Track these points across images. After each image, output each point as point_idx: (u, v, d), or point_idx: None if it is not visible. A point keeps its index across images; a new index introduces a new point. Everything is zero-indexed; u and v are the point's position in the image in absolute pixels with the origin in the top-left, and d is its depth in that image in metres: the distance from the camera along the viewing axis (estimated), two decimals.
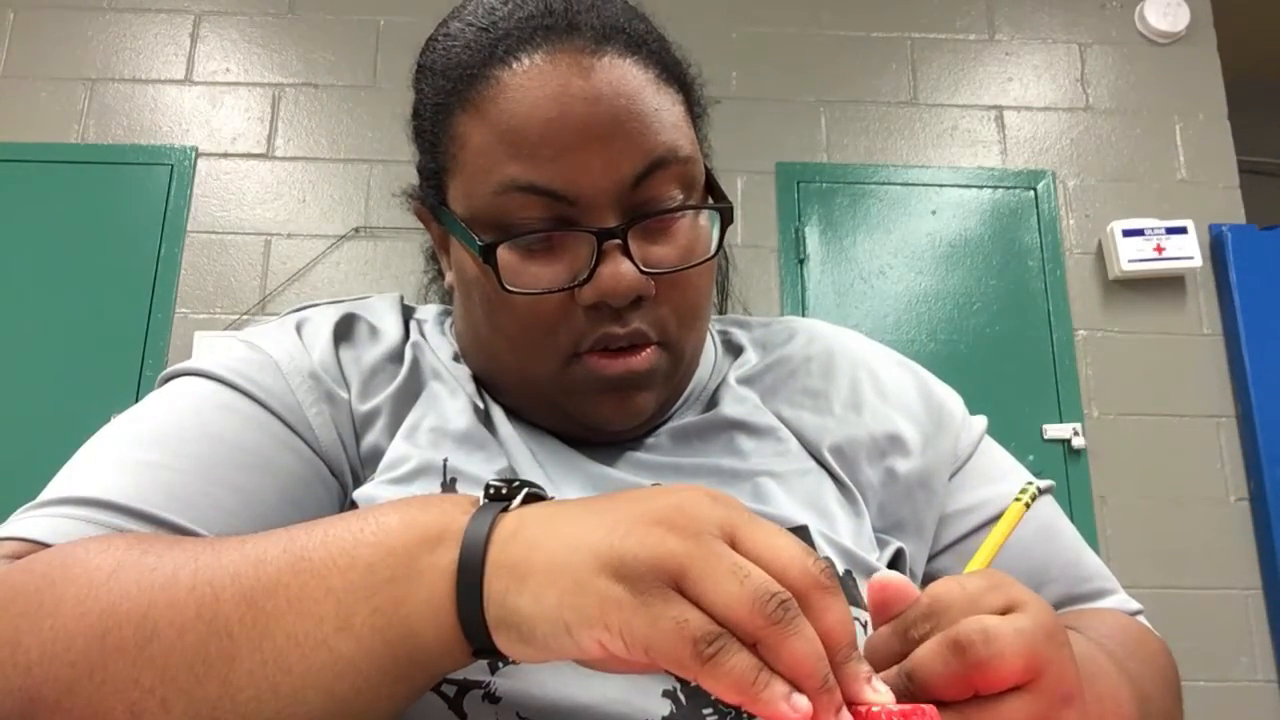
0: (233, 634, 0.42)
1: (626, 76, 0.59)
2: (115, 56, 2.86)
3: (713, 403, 0.69)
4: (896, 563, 0.65)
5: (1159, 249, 2.73)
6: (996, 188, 2.86)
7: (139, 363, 2.59)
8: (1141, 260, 2.72)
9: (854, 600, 0.57)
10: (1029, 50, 3.00)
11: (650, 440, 0.66)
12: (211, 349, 0.64)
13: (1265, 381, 2.66)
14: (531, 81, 0.58)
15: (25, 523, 0.51)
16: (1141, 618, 0.70)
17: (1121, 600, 0.70)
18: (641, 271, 0.58)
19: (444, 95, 0.62)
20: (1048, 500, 0.72)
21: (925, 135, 2.92)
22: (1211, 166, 2.89)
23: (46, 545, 0.49)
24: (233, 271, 2.70)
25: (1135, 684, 0.55)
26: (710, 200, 0.64)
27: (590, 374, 0.60)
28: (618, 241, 0.58)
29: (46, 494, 0.53)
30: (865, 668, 0.38)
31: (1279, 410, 2.64)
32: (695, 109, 0.65)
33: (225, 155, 2.79)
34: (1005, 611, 0.42)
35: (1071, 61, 2.99)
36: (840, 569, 0.58)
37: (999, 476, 0.72)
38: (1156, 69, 2.97)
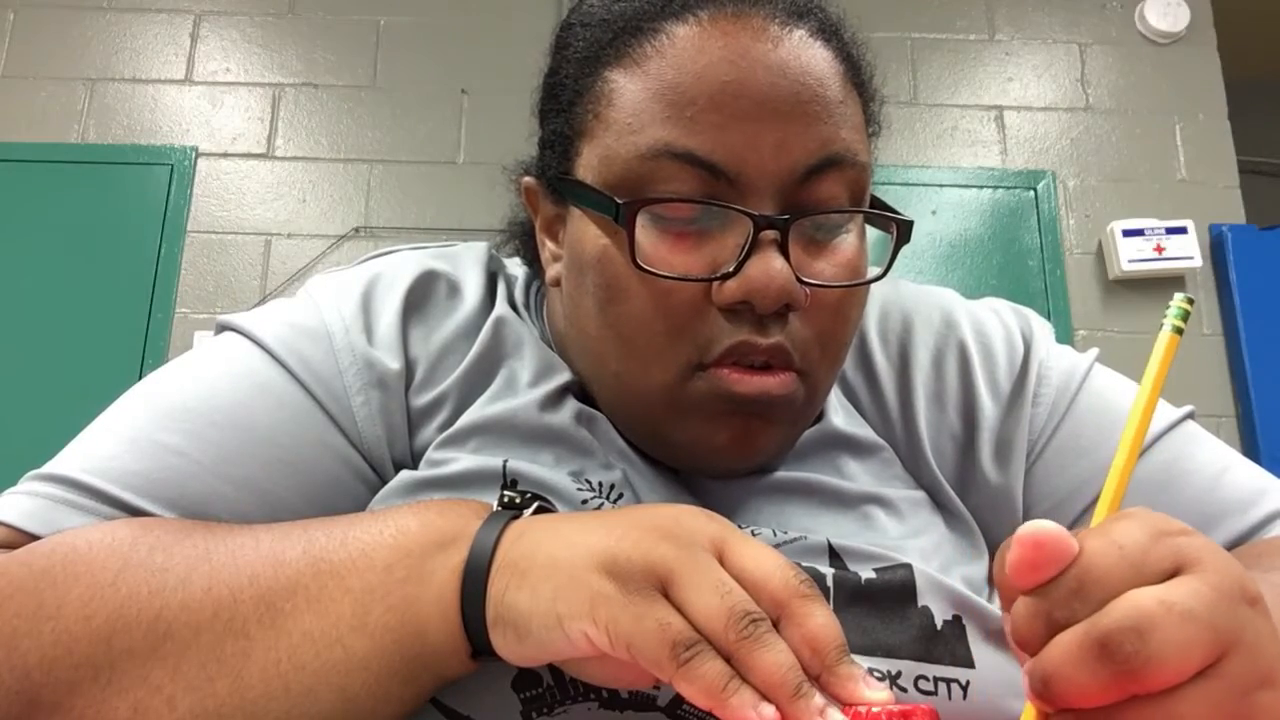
0: (249, 634, 0.43)
1: (816, 59, 0.52)
2: (115, 56, 2.86)
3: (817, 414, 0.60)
4: None
5: (1159, 249, 2.73)
6: (996, 188, 2.86)
7: (139, 363, 2.59)
8: (1141, 260, 2.72)
9: (955, 657, 0.49)
10: (1029, 50, 3.00)
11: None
12: (274, 305, 0.59)
13: (1265, 381, 2.66)
14: (708, 39, 0.50)
15: (17, 503, 0.49)
16: None
17: None
18: (798, 279, 0.50)
19: (595, 48, 0.54)
20: (1176, 433, 0.59)
21: (925, 135, 2.92)
22: (1211, 166, 2.89)
23: (33, 534, 0.48)
24: (233, 271, 2.70)
25: None
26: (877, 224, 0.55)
27: (715, 390, 0.50)
28: (775, 235, 0.49)
29: (56, 463, 0.51)
30: (858, 668, 0.38)
31: (1279, 410, 2.64)
32: (871, 126, 0.57)
33: (225, 155, 2.79)
34: (1174, 574, 0.33)
35: (1071, 61, 2.99)
36: (947, 615, 0.51)
37: (1101, 440, 0.59)
38: (1156, 69, 2.97)
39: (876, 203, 0.56)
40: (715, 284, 0.50)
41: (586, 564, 0.40)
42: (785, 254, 0.49)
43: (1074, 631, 0.32)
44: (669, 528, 0.41)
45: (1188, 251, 2.73)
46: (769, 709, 0.36)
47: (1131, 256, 2.72)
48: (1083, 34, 3.01)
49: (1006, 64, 2.99)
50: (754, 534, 0.53)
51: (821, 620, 0.38)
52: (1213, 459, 0.60)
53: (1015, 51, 3.00)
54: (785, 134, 0.50)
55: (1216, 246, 2.80)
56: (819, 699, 0.36)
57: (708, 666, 0.37)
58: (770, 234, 0.49)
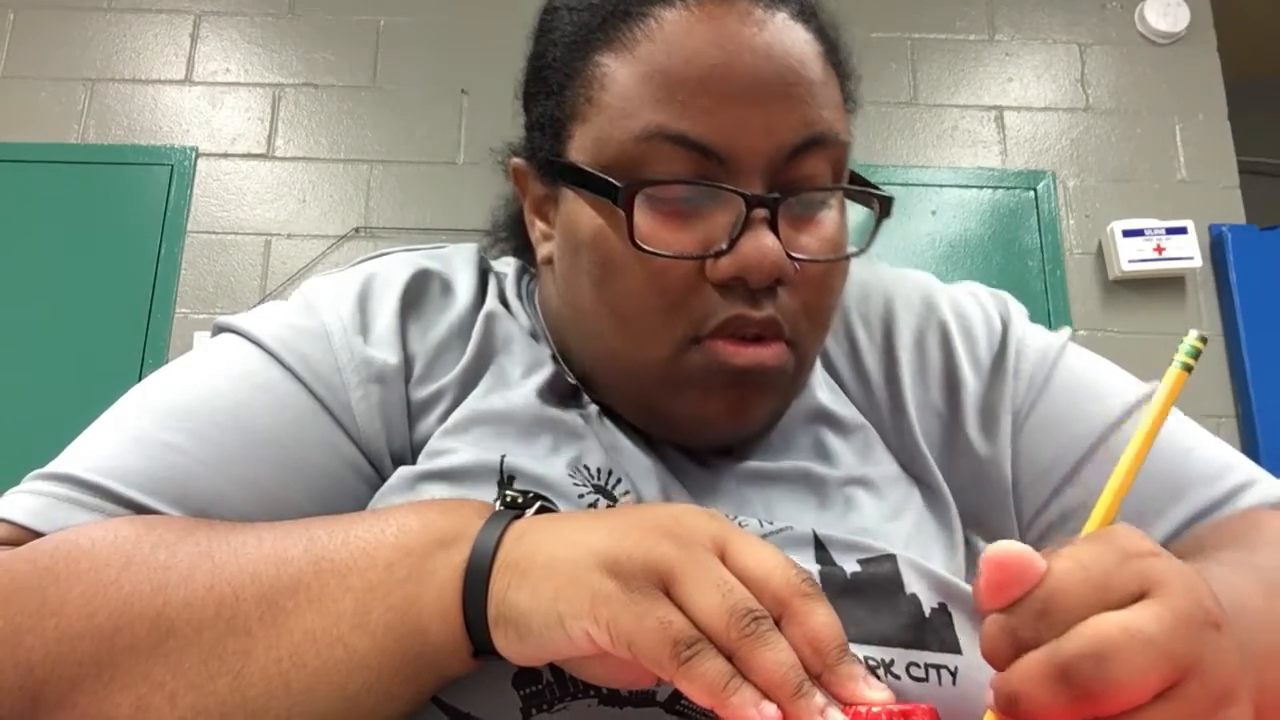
0: (251, 631, 0.43)
1: (799, 41, 0.54)
2: (115, 56, 2.86)
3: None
4: None
5: (1159, 249, 2.73)
6: (996, 188, 2.87)
7: (139, 363, 2.59)
8: (1141, 260, 2.72)
9: (944, 644, 0.50)
10: (1029, 50, 3.00)
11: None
12: (272, 305, 0.60)
13: (1265, 381, 2.66)
14: (696, 23, 0.52)
15: (21, 502, 0.49)
16: None
17: (1267, 491, 0.59)
18: (787, 255, 0.52)
19: (584, 32, 0.56)
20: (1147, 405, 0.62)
21: (925, 135, 2.92)
22: (1211, 166, 2.89)
23: (37, 531, 0.48)
24: (233, 271, 2.70)
25: None
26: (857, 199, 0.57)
27: (712, 362, 0.53)
28: (766, 213, 0.51)
29: (59, 463, 0.51)
30: (859, 668, 0.38)
31: (1279, 410, 2.64)
32: (849, 103, 0.59)
33: (225, 155, 2.80)
34: (1139, 596, 0.34)
35: (1071, 61, 2.99)
36: (934, 602, 0.52)
37: (1077, 412, 0.61)
38: (1156, 69, 2.97)
39: (856, 178, 0.58)
40: (709, 261, 0.52)
41: (588, 563, 0.40)
42: (775, 231, 0.51)
43: (1039, 654, 0.34)
44: (670, 527, 0.41)
45: (1188, 252, 2.73)
46: (770, 708, 0.36)
47: (1131, 257, 2.72)
48: (1083, 34, 3.01)
49: (1006, 64, 2.99)
50: (740, 523, 0.54)
51: (823, 619, 0.39)
52: (1185, 432, 0.62)
53: (1015, 51, 3.00)
54: (772, 115, 0.52)
55: (1216, 246, 2.80)
56: (820, 698, 0.36)
57: (708, 665, 0.37)
58: (761, 212, 0.51)
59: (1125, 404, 0.61)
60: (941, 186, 2.86)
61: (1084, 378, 0.64)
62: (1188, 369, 0.40)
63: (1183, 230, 2.74)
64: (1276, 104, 3.70)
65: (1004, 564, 0.35)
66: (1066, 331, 0.67)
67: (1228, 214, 2.85)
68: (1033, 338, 0.65)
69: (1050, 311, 2.72)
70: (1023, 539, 0.60)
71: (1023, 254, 2.80)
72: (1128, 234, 2.74)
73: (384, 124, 2.81)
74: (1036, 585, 0.35)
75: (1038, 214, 2.84)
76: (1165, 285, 2.77)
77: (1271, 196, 3.29)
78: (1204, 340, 0.40)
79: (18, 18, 2.86)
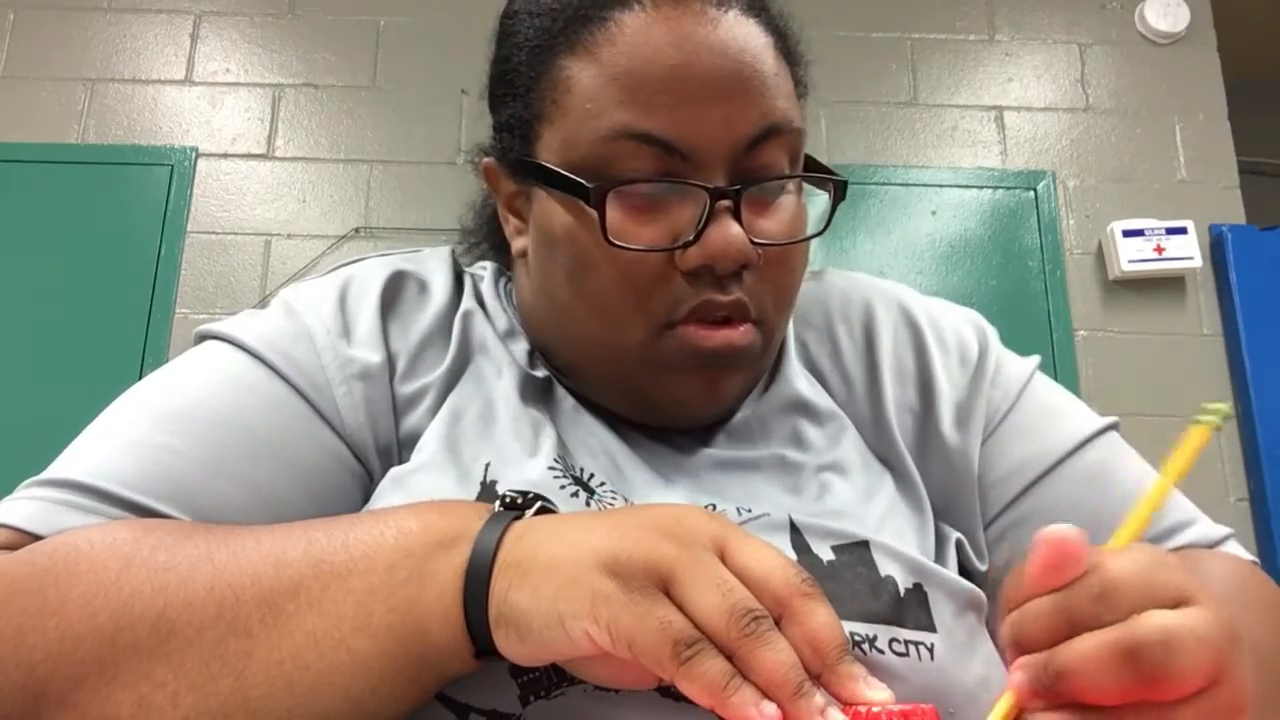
0: (252, 633, 0.43)
1: (751, 35, 0.57)
2: (115, 56, 2.86)
3: (771, 377, 0.65)
4: (959, 560, 0.61)
5: (1159, 249, 2.73)
6: (996, 188, 2.86)
7: (139, 363, 2.59)
8: (1141, 260, 2.71)
9: (919, 622, 0.52)
10: (1029, 50, 3.00)
11: (716, 430, 0.62)
12: (251, 312, 0.61)
13: (1265, 381, 2.65)
14: (653, 25, 0.55)
15: (19, 507, 0.50)
16: (1229, 544, 0.64)
17: (1204, 531, 0.64)
18: (750, 241, 0.55)
19: (546, 37, 0.58)
20: (1105, 438, 0.65)
21: (925, 135, 2.92)
22: (1211, 167, 2.88)
23: (36, 535, 0.48)
24: (233, 271, 2.70)
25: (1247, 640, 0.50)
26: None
27: (685, 346, 0.56)
28: (729, 203, 0.54)
29: (53, 469, 0.52)
30: (859, 668, 0.38)
31: (1279, 410, 2.64)
32: (800, 88, 0.62)
33: (225, 156, 2.79)
34: (1179, 602, 0.37)
35: (1071, 62, 2.99)
36: (908, 583, 0.53)
37: (1044, 427, 0.64)
38: (1156, 69, 2.97)
39: (811, 163, 0.61)
40: (678, 251, 0.55)
41: (588, 563, 0.40)
42: (739, 219, 0.54)
43: (1104, 635, 0.35)
44: (670, 527, 0.41)
45: (1188, 252, 2.73)
46: (770, 707, 0.36)
47: (1131, 257, 2.72)
48: (1083, 34, 3.01)
49: (1006, 64, 2.99)
50: (716, 510, 0.55)
51: (823, 619, 0.39)
52: (1135, 466, 0.66)
53: (1015, 51, 3.00)
54: (730, 110, 0.54)
55: (1216, 247, 2.80)
56: (820, 698, 0.37)
57: (709, 665, 0.37)
58: (724, 203, 0.54)
59: (1088, 430, 0.65)
60: (941, 186, 2.86)
61: (1052, 401, 0.68)
62: (1216, 429, 0.43)
63: (1183, 230, 2.74)
64: (1276, 104, 3.70)
65: (1063, 543, 0.37)
66: (1036, 359, 0.70)
67: (1228, 214, 2.85)
68: (1009, 358, 0.69)
69: (1050, 312, 2.72)
70: (984, 535, 0.63)
71: (1023, 254, 2.80)
72: (1128, 234, 2.74)
73: (384, 124, 2.81)
74: (1088, 572, 0.37)
75: (1038, 214, 2.84)
76: (1165, 285, 2.77)
77: (1271, 196, 3.29)
78: (1226, 417, 0.43)
79: (18, 18, 2.86)
